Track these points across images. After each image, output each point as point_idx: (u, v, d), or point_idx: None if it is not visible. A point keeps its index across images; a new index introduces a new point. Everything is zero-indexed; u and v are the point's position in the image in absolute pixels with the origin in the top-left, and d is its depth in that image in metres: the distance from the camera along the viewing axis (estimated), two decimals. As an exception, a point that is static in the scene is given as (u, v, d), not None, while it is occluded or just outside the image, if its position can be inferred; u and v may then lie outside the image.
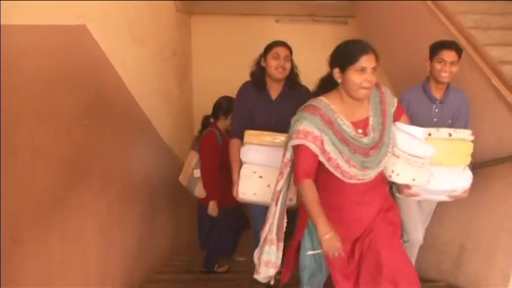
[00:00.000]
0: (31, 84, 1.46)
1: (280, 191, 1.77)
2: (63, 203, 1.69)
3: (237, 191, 2.16)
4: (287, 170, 1.74)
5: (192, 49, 5.87)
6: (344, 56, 1.59)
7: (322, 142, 1.58)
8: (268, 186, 2.01)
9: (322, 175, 1.64)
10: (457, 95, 2.36)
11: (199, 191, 2.98)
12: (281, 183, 1.76)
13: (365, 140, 1.61)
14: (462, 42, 2.71)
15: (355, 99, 1.61)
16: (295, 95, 2.19)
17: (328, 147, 1.58)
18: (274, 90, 2.28)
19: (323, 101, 1.63)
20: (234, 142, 2.27)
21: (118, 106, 2.42)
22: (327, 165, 1.60)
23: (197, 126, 6.06)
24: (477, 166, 2.28)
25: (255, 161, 2.14)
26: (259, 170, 2.11)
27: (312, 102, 1.65)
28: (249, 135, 2.14)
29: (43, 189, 1.55)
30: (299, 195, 1.71)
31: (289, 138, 1.68)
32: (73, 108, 1.78)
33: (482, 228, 2.34)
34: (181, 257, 4.14)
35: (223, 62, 5.82)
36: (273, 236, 1.77)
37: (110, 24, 2.34)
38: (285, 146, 1.76)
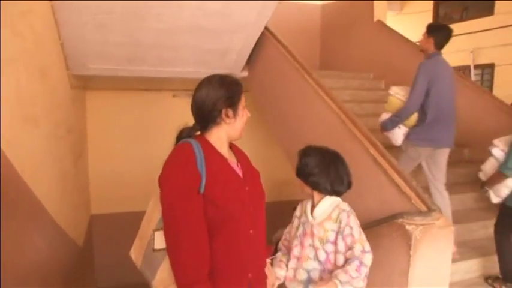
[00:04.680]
0: None
1: None
2: None
3: None
4: None
5: (88, 125, 5.66)
6: None
7: None
8: None
9: None
10: None
11: None
12: None
13: None
14: (340, 115, 3.08)
15: None
16: None
17: None
18: None
19: None
20: None
21: (8, 194, 2.25)
22: None
23: (94, 205, 5.75)
24: (366, 226, 2.53)
25: None
26: None
27: None
28: None
29: None
30: None
31: None
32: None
33: (375, 283, 2.54)
34: None
35: (121, 137, 5.67)
36: None
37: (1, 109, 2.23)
38: None
